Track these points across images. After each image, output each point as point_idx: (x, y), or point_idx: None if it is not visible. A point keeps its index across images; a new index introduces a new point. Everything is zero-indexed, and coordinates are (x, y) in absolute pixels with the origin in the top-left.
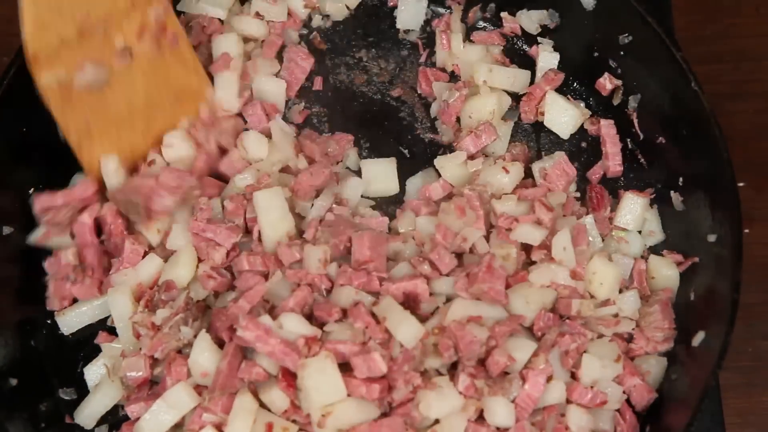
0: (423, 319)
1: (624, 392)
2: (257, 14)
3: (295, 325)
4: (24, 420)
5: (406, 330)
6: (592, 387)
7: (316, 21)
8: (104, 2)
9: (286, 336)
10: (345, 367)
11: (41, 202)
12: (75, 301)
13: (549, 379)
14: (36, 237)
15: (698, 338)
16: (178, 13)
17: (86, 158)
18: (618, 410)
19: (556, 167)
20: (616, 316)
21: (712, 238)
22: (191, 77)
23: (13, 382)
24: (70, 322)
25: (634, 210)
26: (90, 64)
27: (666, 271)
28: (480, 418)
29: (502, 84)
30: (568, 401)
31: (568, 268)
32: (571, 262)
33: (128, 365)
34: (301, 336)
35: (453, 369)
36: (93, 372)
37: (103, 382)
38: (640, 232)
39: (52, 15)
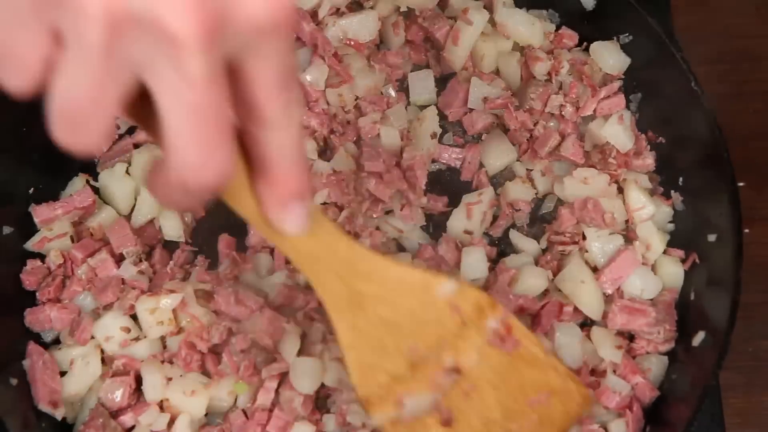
0: None
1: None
2: None
3: None
4: (24, 420)
5: None
6: (619, 392)
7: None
8: (433, 330)
9: None
10: None
11: (41, 213)
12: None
13: None
14: (33, 242)
15: (698, 338)
16: None
17: None
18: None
19: None
20: None
21: (712, 238)
22: (549, 376)
23: (14, 381)
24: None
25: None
26: (414, 395)
27: (672, 269)
28: None
29: (517, 31)
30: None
31: None
32: None
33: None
34: None
35: None
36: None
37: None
38: None
39: (377, 356)
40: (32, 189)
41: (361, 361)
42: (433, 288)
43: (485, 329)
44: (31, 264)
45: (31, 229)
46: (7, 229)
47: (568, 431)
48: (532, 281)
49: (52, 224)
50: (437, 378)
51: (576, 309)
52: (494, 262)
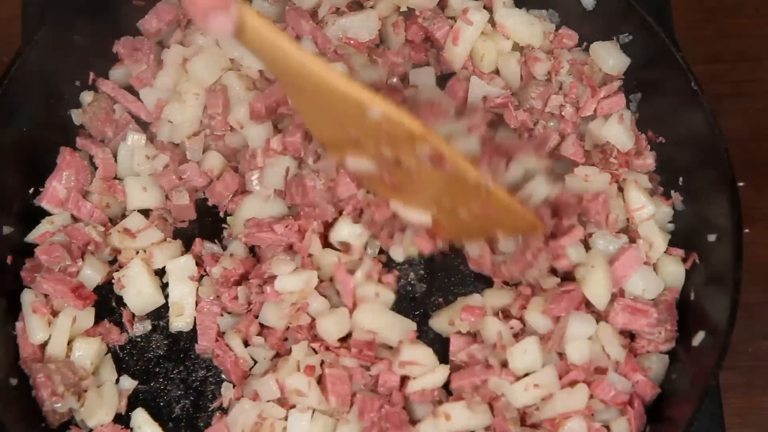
0: None
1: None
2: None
3: None
4: (24, 419)
5: None
6: (617, 387)
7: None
8: (369, 132)
9: None
10: None
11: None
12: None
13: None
14: (35, 236)
15: (698, 338)
16: None
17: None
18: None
19: None
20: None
21: (712, 238)
22: (494, 201)
23: (14, 381)
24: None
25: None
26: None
27: (673, 268)
28: None
29: (517, 31)
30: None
31: None
32: None
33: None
34: None
35: None
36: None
37: None
38: None
39: (323, 121)
40: (32, 189)
41: (311, 120)
42: (362, 107)
43: (417, 152)
44: (30, 262)
45: (30, 229)
46: (7, 229)
47: (511, 236)
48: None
49: (54, 216)
50: (379, 155)
51: (588, 302)
52: None
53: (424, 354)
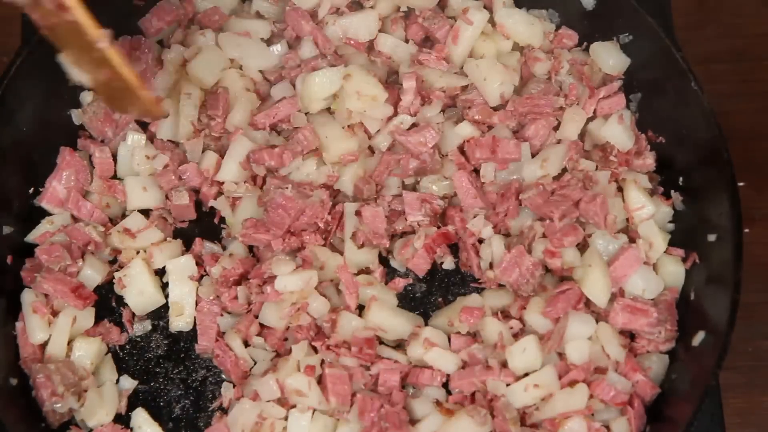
0: None
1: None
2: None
3: None
4: (24, 419)
5: None
6: (616, 386)
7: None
8: None
9: None
10: None
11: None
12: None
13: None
14: (35, 236)
15: (698, 338)
16: None
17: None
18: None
19: None
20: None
21: (712, 238)
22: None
23: (14, 381)
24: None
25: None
26: None
27: (673, 268)
28: None
29: (517, 31)
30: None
31: None
32: None
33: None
34: None
35: None
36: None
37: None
38: None
39: None
40: (32, 188)
41: None
42: None
43: None
44: (30, 262)
45: (30, 229)
46: (7, 229)
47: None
48: None
49: (54, 216)
50: None
51: (588, 302)
52: None
53: (440, 337)
